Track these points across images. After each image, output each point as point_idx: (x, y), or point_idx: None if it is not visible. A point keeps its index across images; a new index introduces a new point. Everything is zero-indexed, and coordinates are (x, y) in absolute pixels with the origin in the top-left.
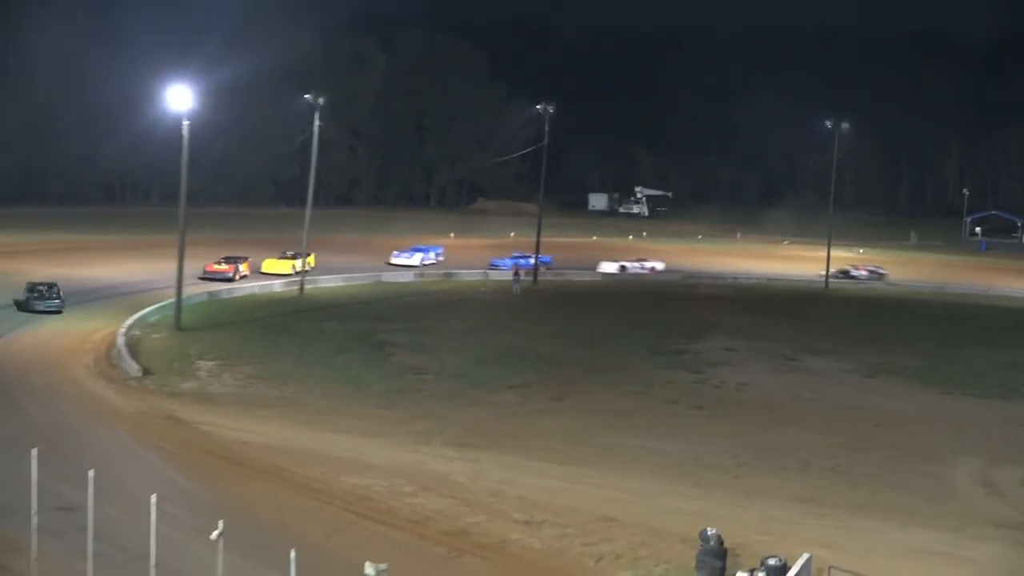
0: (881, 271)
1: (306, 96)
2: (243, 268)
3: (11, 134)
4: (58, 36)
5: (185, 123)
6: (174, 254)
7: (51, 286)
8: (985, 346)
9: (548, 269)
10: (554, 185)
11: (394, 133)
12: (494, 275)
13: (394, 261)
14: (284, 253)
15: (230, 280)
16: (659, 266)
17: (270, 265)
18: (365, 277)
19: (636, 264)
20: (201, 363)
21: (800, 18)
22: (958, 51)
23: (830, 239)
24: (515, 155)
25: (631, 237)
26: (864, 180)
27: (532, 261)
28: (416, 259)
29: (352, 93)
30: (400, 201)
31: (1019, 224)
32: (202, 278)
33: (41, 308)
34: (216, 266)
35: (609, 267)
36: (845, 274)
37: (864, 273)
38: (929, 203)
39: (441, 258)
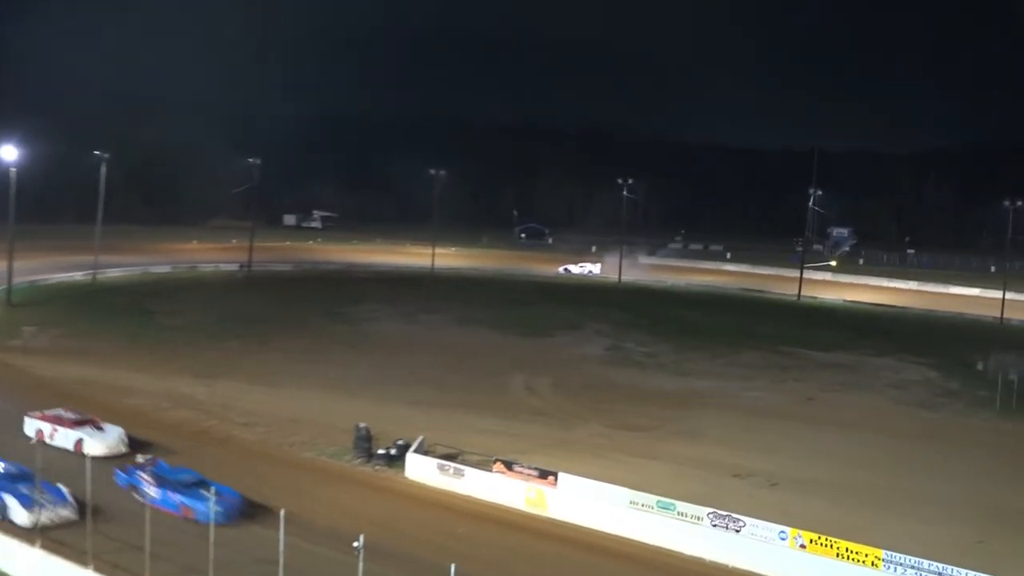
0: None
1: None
2: None
3: None
4: None
5: (13, 170)
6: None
7: None
8: (523, 304)
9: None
10: (262, 208)
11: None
12: (210, 268)
13: None
14: None
15: None
16: None
17: None
18: (138, 270)
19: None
20: (25, 328)
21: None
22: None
23: (434, 242)
24: (238, 190)
25: (311, 242)
26: (460, 205)
27: None
28: None
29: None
30: (157, 222)
31: (546, 231)
32: None
33: None
34: None
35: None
36: None
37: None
38: (496, 218)
39: None
